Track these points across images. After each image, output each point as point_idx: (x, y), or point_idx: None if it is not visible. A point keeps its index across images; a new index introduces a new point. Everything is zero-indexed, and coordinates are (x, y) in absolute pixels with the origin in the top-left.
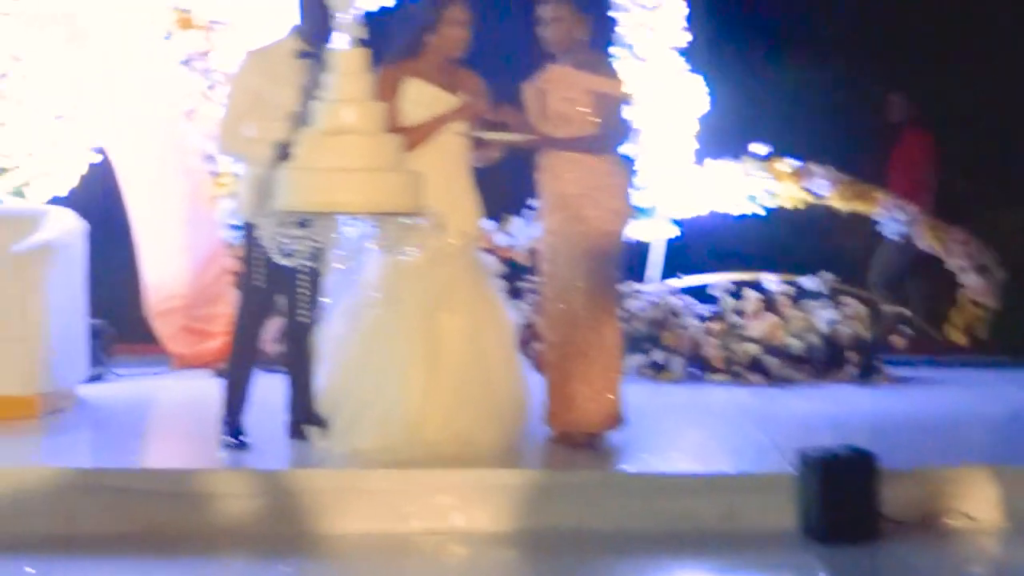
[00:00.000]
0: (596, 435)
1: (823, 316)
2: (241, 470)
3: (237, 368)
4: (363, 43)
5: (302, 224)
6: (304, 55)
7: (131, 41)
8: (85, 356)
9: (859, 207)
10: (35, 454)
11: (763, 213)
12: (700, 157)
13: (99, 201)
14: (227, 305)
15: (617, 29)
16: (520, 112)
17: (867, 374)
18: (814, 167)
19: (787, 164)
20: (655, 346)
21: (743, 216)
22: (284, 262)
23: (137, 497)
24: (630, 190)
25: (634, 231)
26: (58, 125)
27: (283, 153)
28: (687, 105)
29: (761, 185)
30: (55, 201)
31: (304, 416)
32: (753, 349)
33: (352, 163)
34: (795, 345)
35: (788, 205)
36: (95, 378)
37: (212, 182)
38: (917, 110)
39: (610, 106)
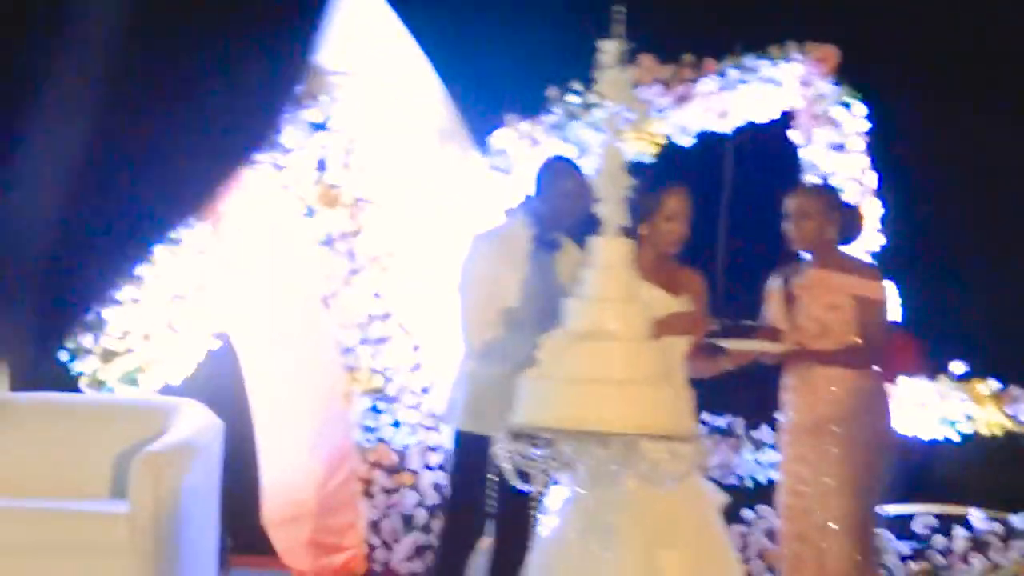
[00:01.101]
0: None
1: None
2: None
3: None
4: (626, 232)
5: (542, 442)
6: (540, 242)
7: (266, 214)
8: None
9: None
10: None
11: (958, 439)
12: None
13: (213, 392)
14: (356, 514)
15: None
16: (760, 321)
17: None
18: (1018, 390)
19: (988, 385)
20: None
21: (938, 441)
22: (520, 485)
23: None
24: (894, 411)
25: None
26: (177, 305)
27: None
28: None
29: (959, 408)
30: (168, 391)
31: None
32: None
33: (614, 374)
34: None
35: (987, 431)
36: None
37: (348, 376)
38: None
39: (873, 313)
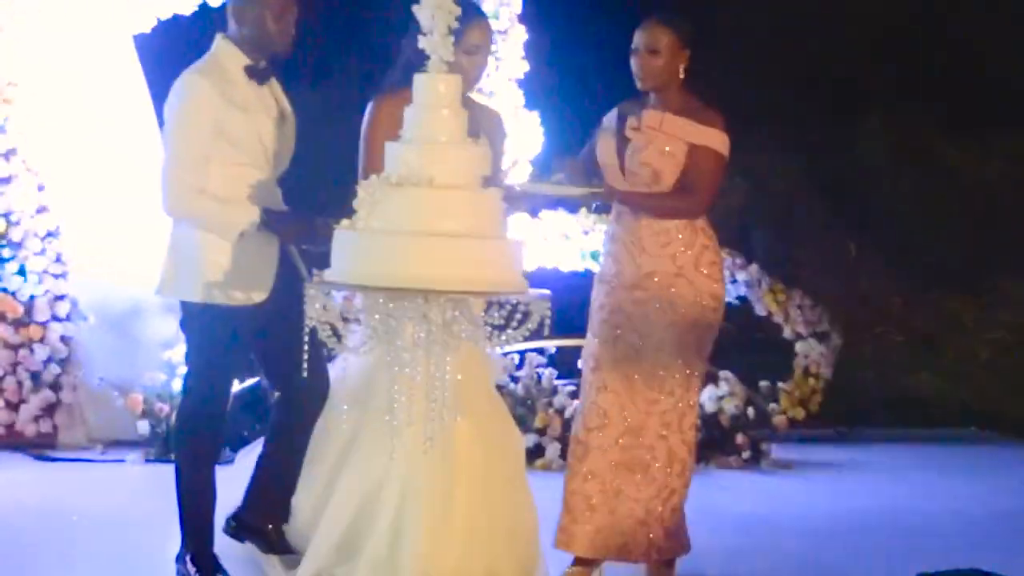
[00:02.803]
0: (672, 562)
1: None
2: None
3: (199, 472)
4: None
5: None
6: (253, 73)
7: None
8: None
9: None
10: None
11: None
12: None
13: None
14: None
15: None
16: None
17: (756, 458)
18: None
19: None
20: (525, 429)
21: (579, 273)
22: (334, 347)
23: None
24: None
25: None
26: None
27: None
28: (522, 145)
29: (599, 240)
30: None
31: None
32: None
33: (442, 226)
34: None
35: None
36: None
37: None
38: None
39: (712, 164)
